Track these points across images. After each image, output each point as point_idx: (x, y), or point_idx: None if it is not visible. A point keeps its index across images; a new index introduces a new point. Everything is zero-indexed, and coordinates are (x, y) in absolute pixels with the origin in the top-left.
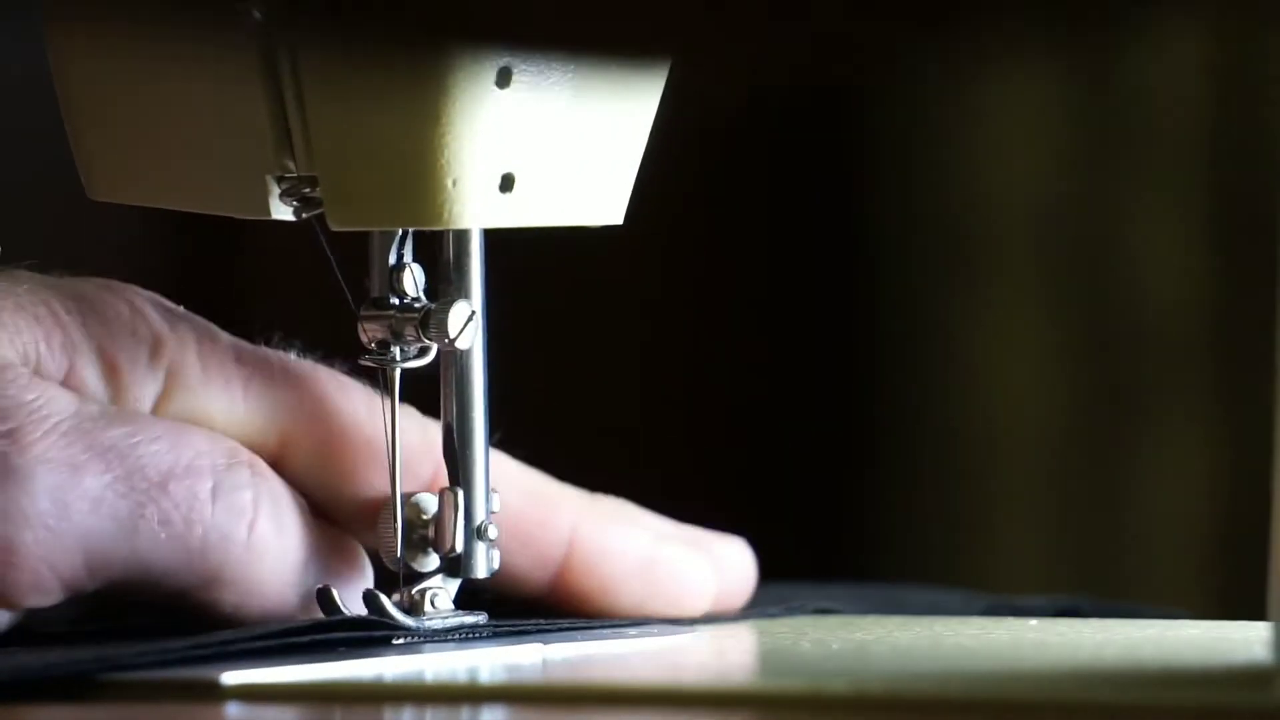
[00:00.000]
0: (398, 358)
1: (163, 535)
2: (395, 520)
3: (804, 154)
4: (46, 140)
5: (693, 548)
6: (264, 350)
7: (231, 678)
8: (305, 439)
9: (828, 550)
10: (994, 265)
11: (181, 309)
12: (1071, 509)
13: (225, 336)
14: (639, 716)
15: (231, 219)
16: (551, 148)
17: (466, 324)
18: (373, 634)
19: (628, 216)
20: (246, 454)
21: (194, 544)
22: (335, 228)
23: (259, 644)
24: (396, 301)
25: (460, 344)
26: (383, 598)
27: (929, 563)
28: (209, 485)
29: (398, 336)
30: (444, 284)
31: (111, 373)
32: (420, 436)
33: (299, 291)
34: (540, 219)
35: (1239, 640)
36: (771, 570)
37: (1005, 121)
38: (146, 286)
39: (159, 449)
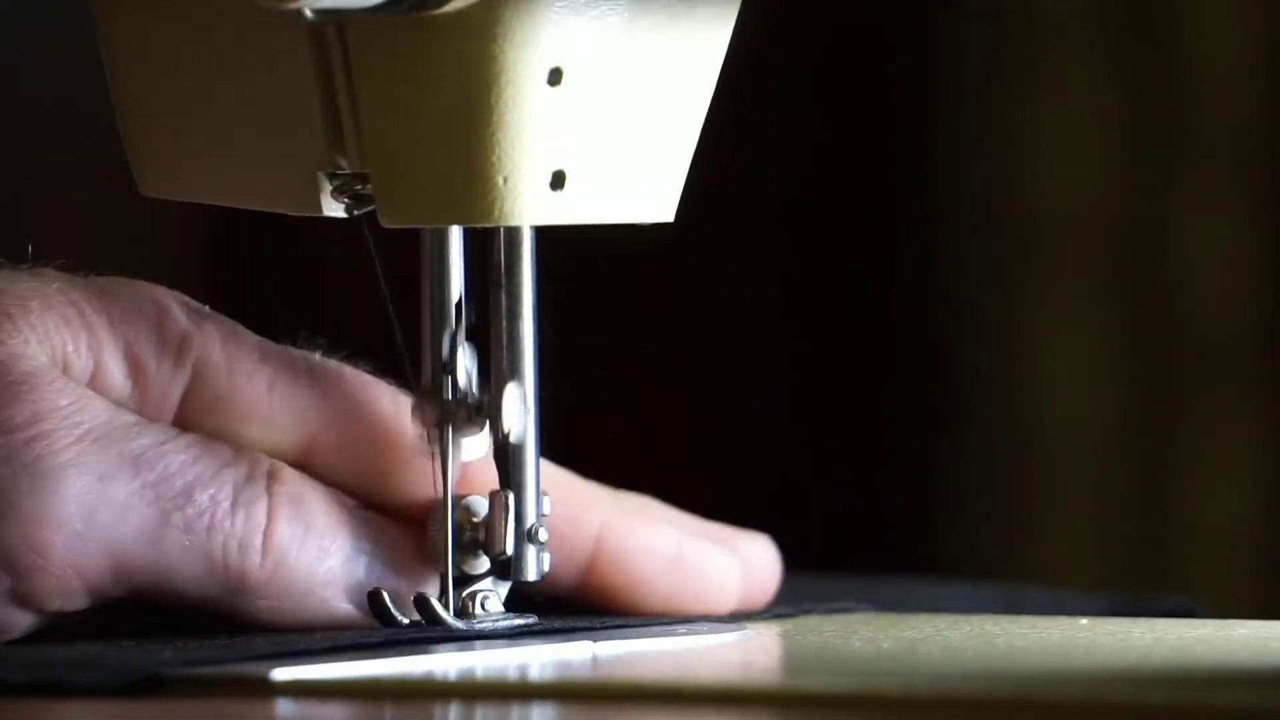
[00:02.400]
0: (450, 441)
1: (186, 543)
2: (446, 523)
3: (853, 148)
4: (93, 135)
5: (719, 545)
6: (290, 350)
7: (281, 674)
8: (332, 439)
9: (875, 545)
10: (1043, 261)
11: (207, 308)
12: (1119, 506)
13: (251, 336)
14: (688, 714)
15: (276, 215)
16: (603, 145)
17: (520, 408)
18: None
19: (679, 213)
20: (269, 463)
21: (216, 552)
22: (387, 224)
23: (317, 648)
24: (449, 382)
25: (515, 431)
26: (434, 601)
27: (976, 559)
28: (230, 494)
29: (452, 423)
30: (494, 287)
31: (137, 371)
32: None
33: (325, 288)
34: (591, 216)
35: None
36: (815, 565)
37: (1056, 117)
38: (173, 284)
39: (185, 459)
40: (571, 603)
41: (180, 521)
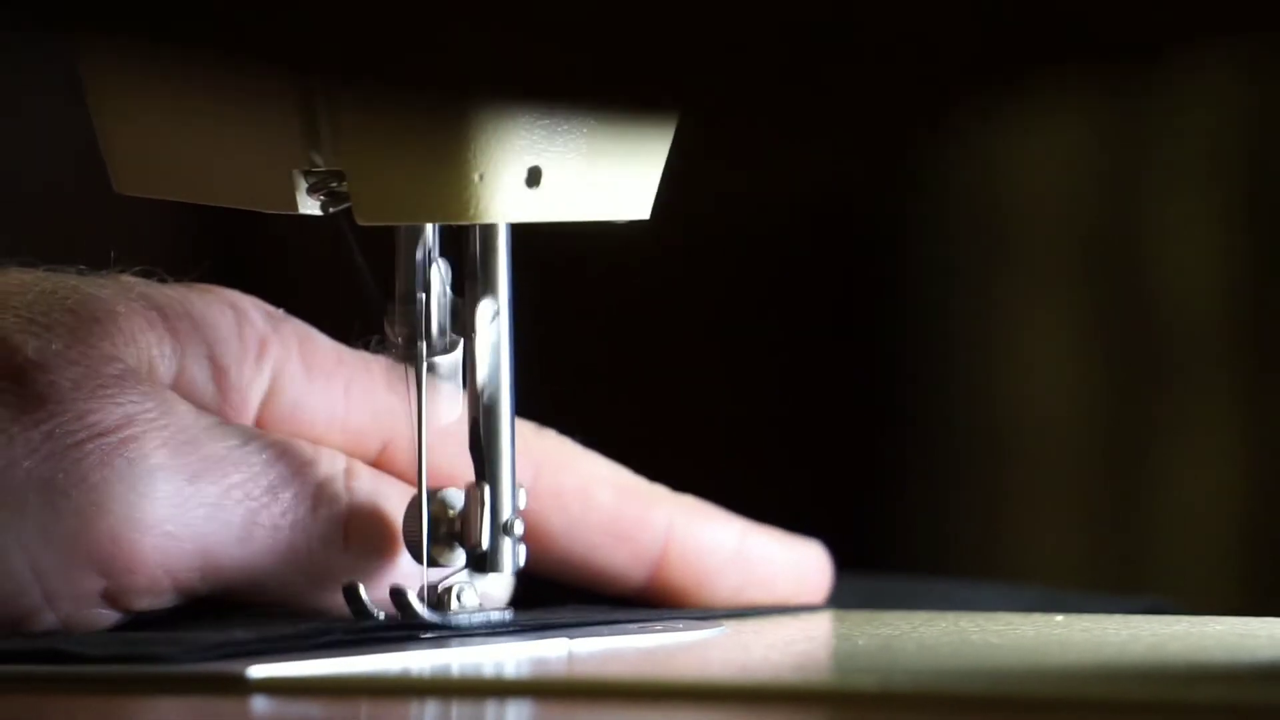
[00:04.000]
0: (424, 353)
1: (272, 540)
2: (422, 516)
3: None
4: (73, 135)
5: (778, 540)
6: (364, 353)
7: (257, 671)
8: (408, 439)
9: (853, 543)
10: (1022, 261)
11: (282, 311)
12: (1098, 503)
13: (326, 339)
14: (664, 711)
15: (256, 213)
16: (578, 143)
17: (492, 320)
18: (396, 634)
19: (654, 211)
20: (346, 460)
21: (300, 548)
22: (362, 222)
23: (290, 644)
24: (423, 297)
25: (485, 339)
26: (410, 594)
27: (957, 556)
28: (312, 491)
29: (424, 332)
30: (470, 279)
31: (219, 374)
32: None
33: (316, 284)
34: (567, 214)
35: (1265, 637)
36: None
37: (1036, 122)
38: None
39: (268, 458)
40: (551, 598)
41: (266, 520)
